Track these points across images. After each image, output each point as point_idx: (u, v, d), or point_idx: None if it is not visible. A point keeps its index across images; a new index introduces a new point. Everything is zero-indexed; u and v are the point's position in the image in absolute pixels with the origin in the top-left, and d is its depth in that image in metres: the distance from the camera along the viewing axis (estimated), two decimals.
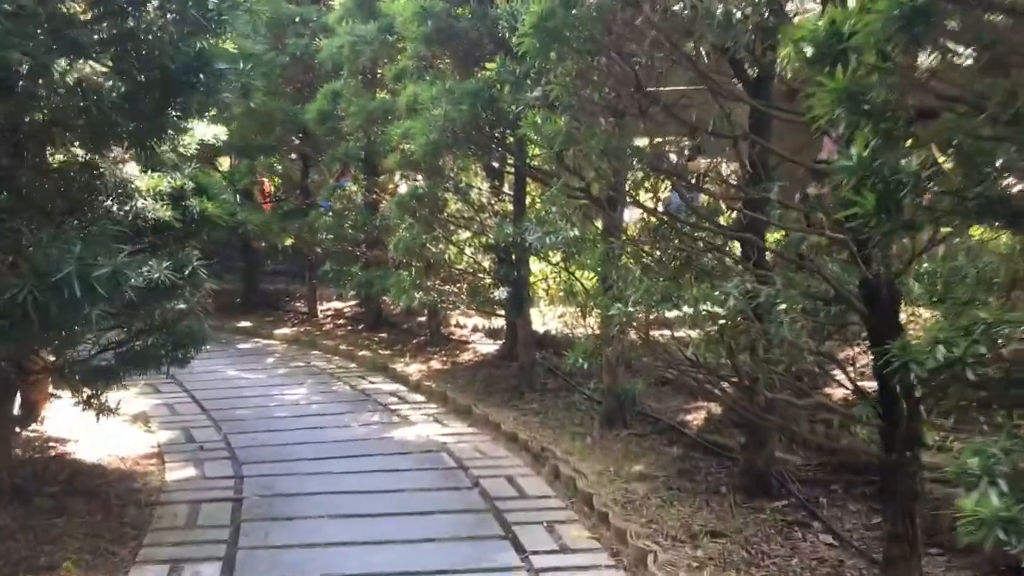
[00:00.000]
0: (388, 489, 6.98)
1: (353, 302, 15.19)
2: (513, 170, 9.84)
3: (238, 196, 15.62)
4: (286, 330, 14.23)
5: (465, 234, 10.72)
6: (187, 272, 5.70)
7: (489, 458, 7.76)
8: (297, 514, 6.36)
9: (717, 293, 4.05)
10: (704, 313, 4.03)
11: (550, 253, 8.88)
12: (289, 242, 14.07)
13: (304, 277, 15.65)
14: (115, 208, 5.41)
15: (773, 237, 6.22)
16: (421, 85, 9.01)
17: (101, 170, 5.33)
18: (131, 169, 6.03)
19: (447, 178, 9.96)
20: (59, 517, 6.03)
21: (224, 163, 15.32)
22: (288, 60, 12.82)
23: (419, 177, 10.46)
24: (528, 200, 10.24)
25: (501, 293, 9.71)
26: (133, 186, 5.58)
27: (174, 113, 5.23)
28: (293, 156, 14.63)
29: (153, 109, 5.02)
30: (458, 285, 10.47)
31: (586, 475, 6.92)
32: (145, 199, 5.55)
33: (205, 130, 8.44)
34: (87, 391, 6.40)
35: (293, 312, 15.81)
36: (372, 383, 10.84)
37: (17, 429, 7.85)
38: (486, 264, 10.54)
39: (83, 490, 6.61)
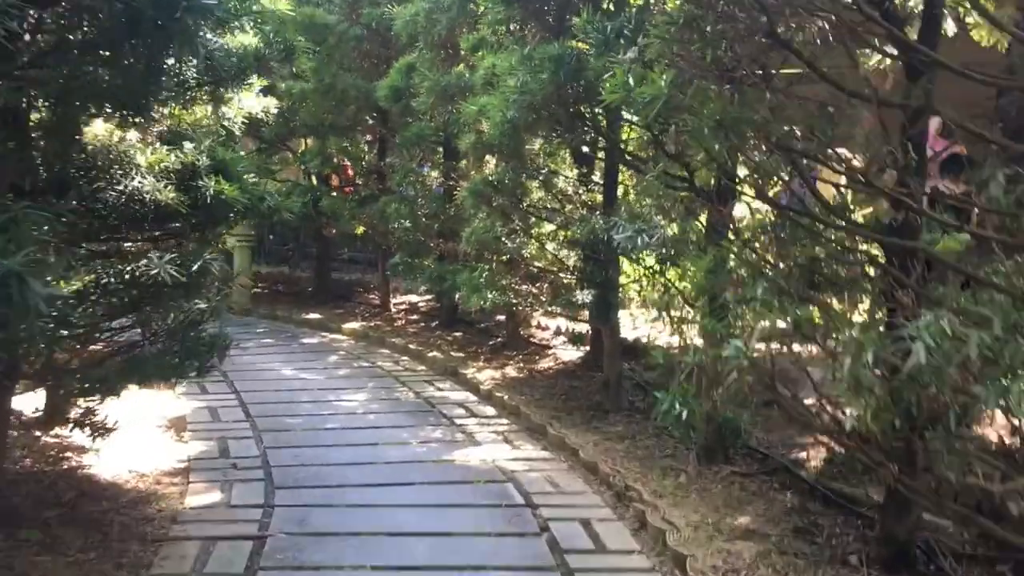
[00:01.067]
0: (442, 531, 5.86)
1: (428, 296, 14.16)
2: (603, 155, 8.55)
3: (314, 179, 14.82)
4: (355, 324, 13.25)
5: (548, 227, 9.52)
6: (194, 269, 4.64)
7: (563, 494, 6.56)
8: (328, 562, 5.28)
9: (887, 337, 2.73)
10: (866, 365, 2.73)
11: (643, 254, 7.59)
12: (361, 230, 13.06)
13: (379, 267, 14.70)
14: (106, 187, 4.35)
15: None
16: (500, 56, 7.83)
17: (81, 139, 4.28)
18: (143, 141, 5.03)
19: (529, 163, 8.76)
20: (47, 554, 5.07)
21: (302, 145, 14.50)
22: (363, 32, 11.76)
23: (496, 162, 9.28)
24: (621, 191, 8.96)
25: (585, 296, 8.46)
26: (130, 161, 4.53)
27: (165, 64, 4.11)
28: (368, 137, 13.60)
29: (134, 59, 3.93)
30: (538, 285, 9.26)
31: (679, 527, 5.65)
32: (144, 177, 4.48)
33: (253, 102, 7.64)
34: (81, 405, 5.39)
35: (365, 304, 14.85)
36: (439, 390, 9.74)
37: (37, 433, 7.03)
38: (570, 262, 9.31)
39: (86, 517, 5.65)
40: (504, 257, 8.81)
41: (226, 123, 7.75)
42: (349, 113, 12.34)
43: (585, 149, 9.29)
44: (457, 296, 9.66)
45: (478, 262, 9.54)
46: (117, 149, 4.54)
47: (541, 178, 8.82)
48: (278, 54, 7.38)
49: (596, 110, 7.18)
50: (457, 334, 12.25)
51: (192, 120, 7.30)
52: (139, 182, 4.41)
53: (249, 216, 5.30)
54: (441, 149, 12.15)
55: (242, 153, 8.07)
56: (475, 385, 9.74)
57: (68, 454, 6.80)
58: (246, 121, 8.16)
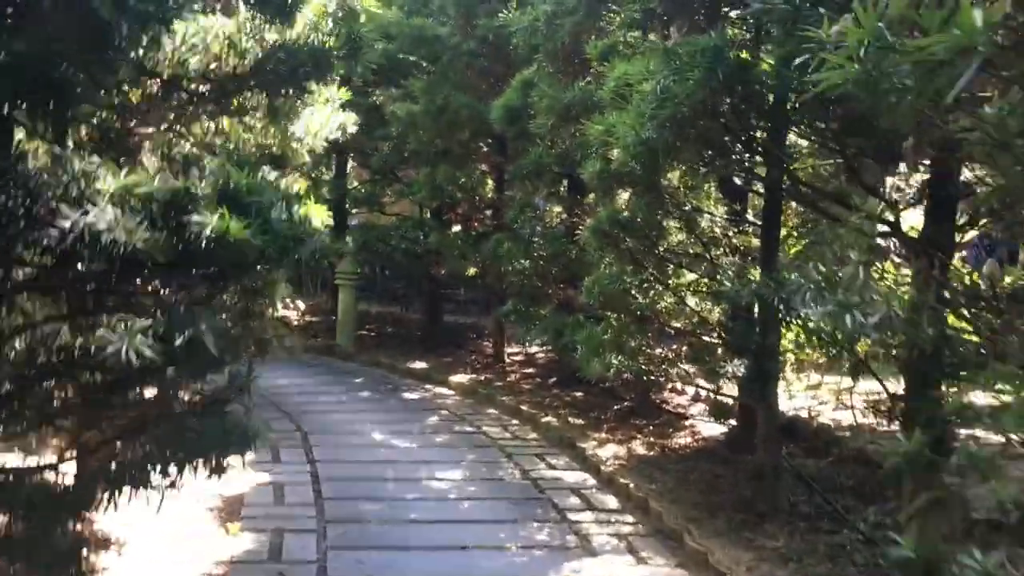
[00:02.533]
0: None
1: (547, 347, 12.53)
2: (764, 186, 6.79)
3: (426, 213, 13.51)
4: (463, 377, 11.75)
5: (688, 276, 7.79)
6: (180, 342, 3.18)
7: None
8: None
9: None
10: None
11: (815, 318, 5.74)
12: (473, 272, 11.60)
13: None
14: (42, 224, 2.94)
15: None
16: (635, 63, 6.20)
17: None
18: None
19: (667, 198, 7.06)
20: None
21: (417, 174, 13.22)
22: (477, 46, 10.36)
23: (628, 196, 7.62)
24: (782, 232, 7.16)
25: (735, 367, 6.68)
26: (88, 186, 3.10)
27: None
28: (484, 167, 12.16)
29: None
30: (674, 347, 7.51)
31: None
32: (106, 209, 3.04)
33: (325, 118, 6.26)
34: None
35: (477, 353, 13.35)
36: (551, 468, 8.08)
37: None
38: (714, 317, 7.54)
39: None
40: (634, 313, 7.09)
41: (297, 144, 6.48)
42: (462, 139, 10.93)
43: (738, 180, 7.55)
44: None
45: (603, 314, 7.86)
46: (73, 168, 3.11)
47: (682, 216, 7.09)
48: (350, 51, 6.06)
49: (760, 123, 5.43)
50: (577, 394, 10.56)
51: (249, 140, 6.05)
52: (94, 217, 2.96)
53: (275, 265, 3.79)
54: (564, 181, 10.58)
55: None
56: (595, 464, 8.03)
57: (89, 551, 5.47)
58: (327, 143, 6.90)
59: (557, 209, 11.12)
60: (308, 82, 4.88)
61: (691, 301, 7.49)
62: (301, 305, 16.86)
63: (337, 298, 13.89)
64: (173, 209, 3.27)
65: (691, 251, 7.45)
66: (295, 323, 15.69)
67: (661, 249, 7.16)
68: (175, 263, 3.25)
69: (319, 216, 4.37)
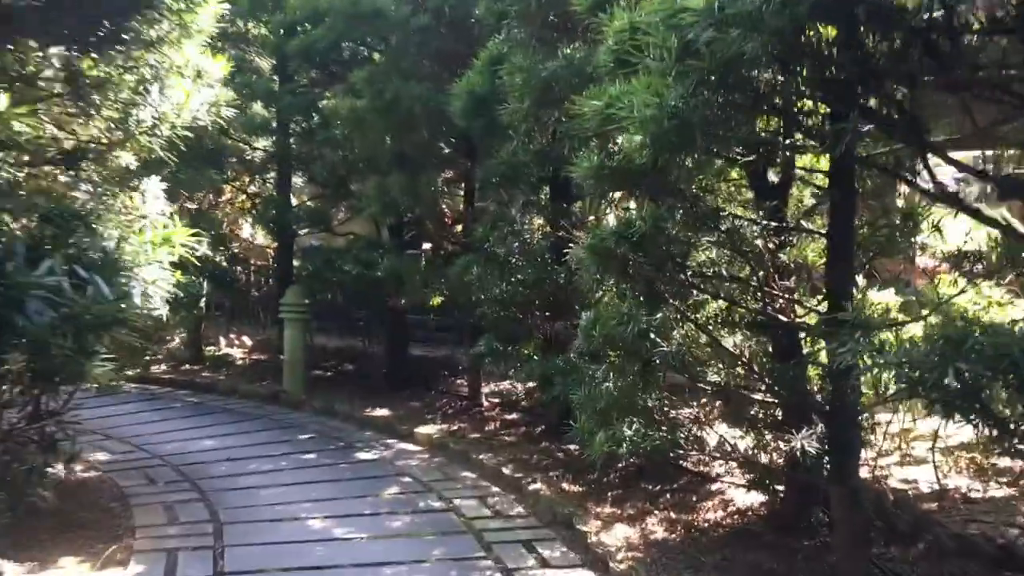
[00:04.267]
0: None
1: (531, 383, 10.51)
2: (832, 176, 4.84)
3: (384, 232, 11.50)
4: (432, 428, 9.70)
5: (716, 304, 5.83)
6: None
7: None
8: None
9: None
10: None
11: None
12: (438, 301, 9.57)
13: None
14: None
15: None
16: (648, 4, 4.26)
17: None
18: None
19: (694, 200, 5.09)
20: None
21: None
22: (430, 19, 8.34)
23: (638, 198, 5.65)
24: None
25: (800, 439, 4.69)
26: None
27: None
28: (449, 173, 10.12)
29: None
30: (705, 405, 5.53)
31: None
32: None
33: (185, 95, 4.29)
34: None
35: (449, 394, 11.31)
36: (544, 565, 6.06)
37: None
38: (763, 362, 5.56)
39: None
40: (648, 360, 5.08)
41: (146, 133, 4.51)
42: (419, 140, 8.89)
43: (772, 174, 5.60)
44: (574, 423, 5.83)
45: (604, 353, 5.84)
46: None
47: (716, 226, 5.11)
48: None
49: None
50: (571, 447, 8.54)
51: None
52: None
53: None
54: (547, 187, 8.59)
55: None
56: (601, 557, 6.01)
57: None
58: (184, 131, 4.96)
59: (538, 222, 9.11)
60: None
61: (730, 338, 5.49)
62: (248, 341, 14.79)
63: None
64: None
65: (726, 271, 5.45)
66: (239, 363, 13.61)
67: (688, 273, 5.15)
68: None
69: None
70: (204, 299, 13.46)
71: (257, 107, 11.05)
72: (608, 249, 5.13)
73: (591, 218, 8.37)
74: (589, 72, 5.40)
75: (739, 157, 5.05)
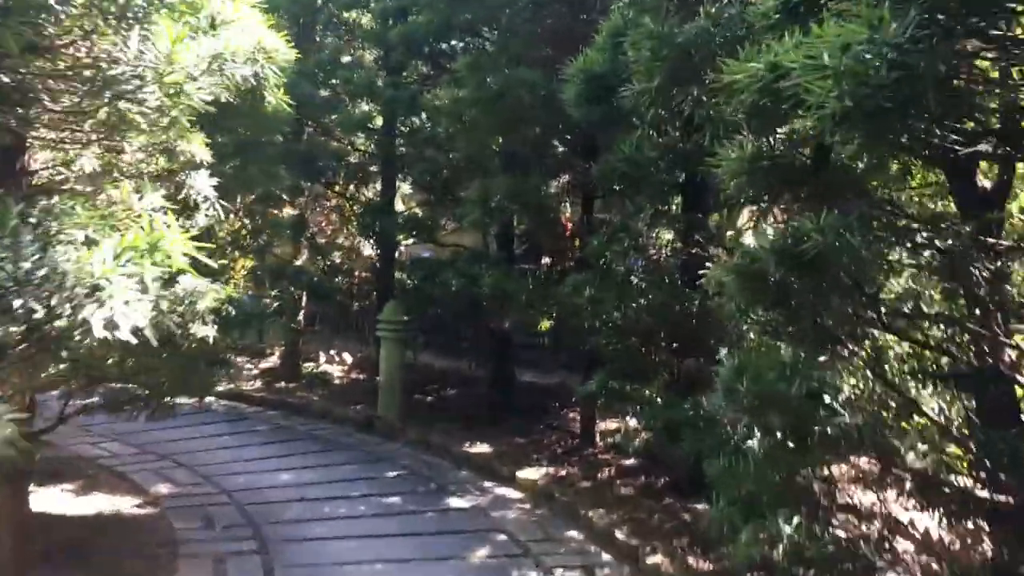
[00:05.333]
0: None
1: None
2: None
3: (492, 245, 10.30)
4: (537, 472, 8.39)
5: (901, 348, 4.31)
6: None
7: None
8: None
9: None
10: None
11: None
12: (546, 325, 8.28)
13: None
14: None
15: None
16: None
17: None
18: None
19: (882, 206, 3.62)
20: None
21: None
22: None
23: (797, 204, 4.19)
24: None
25: None
26: None
27: None
28: (566, 177, 8.78)
29: None
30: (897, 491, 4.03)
31: None
32: None
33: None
34: None
35: (559, 431, 9.96)
36: None
37: None
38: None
39: None
40: (825, 433, 3.62)
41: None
42: (528, 136, 7.60)
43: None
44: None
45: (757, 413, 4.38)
46: None
47: (914, 241, 3.63)
48: None
49: None
50: (699, 507, 7.09)
51: None
52: None
53: None
54: (677, 193, 7.18)
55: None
56: None
57: None
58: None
59: (667, 236, 7.70)
60: None
61: (931, 405, 3.97)
62: (348, 358, 13.83)
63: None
64: None
65: (925, 308, 3.93)
66: (337, 381, 12.64)
67: (879, 309, 3.67)
68: None
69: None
70: (301, 312, 12.67)
71: (358, 103, 10.04)
72: (761, 272, 3.71)
73: (729, 232, 6.95)
74: (741, 33, 4.02)
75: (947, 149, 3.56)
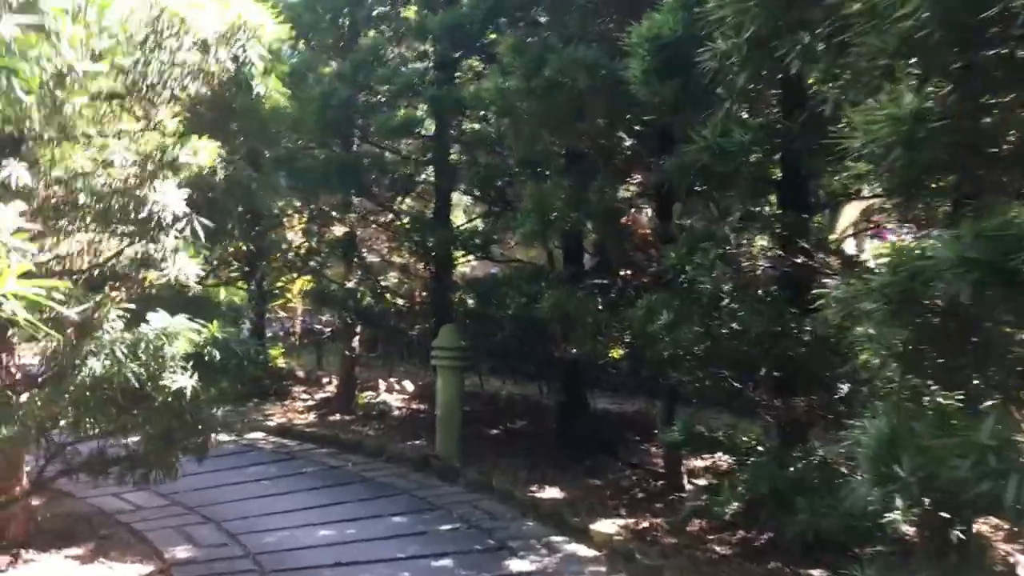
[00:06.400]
0: None
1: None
2: None
3: (558, 259, 9.14)
4: (613, 525, 7.14)
5: None
6: None
7: None
8: None
9: None
10: None
11: None
12: (618, 354, 7.03)
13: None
14: None
15: None
16: None
17: None
18: None
19: None
20: None
21: None
22: None
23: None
24: None
25: None
26: None
27: None
28: (637, 178, 7.49)
29: None
30: None
31: None
32: None
33: None
34: None
35: (640, 469, 8.68)
36: None
37: None
38: None
39: None
40: None
41: None
42: (589, 129, 6.37)
43: None
44: None
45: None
46: None
47: None
48: None
49: None
50: (814, 574, 5.76)
51: None
52: None
53: None
54: (774, 192, 5.87)
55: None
56: None
57: None
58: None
59: (761, 242, 6.37)
60: None
61: None
62: (409, 387, 12.76)
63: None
64: None
65: None
66: (396, 413, 11.58)
67: None
68: None
69: None
70: (356, 338, 11.68)
71: (400, 104, 8.98)
72: (920, 293, 2.42)
73: (846, 236, 5.63)
74: None
75: None
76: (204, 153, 4.95)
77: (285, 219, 12.55)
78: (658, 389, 8.67)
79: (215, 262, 12.38)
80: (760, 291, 5.23)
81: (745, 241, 6.31)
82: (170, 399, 4.20)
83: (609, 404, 10.59)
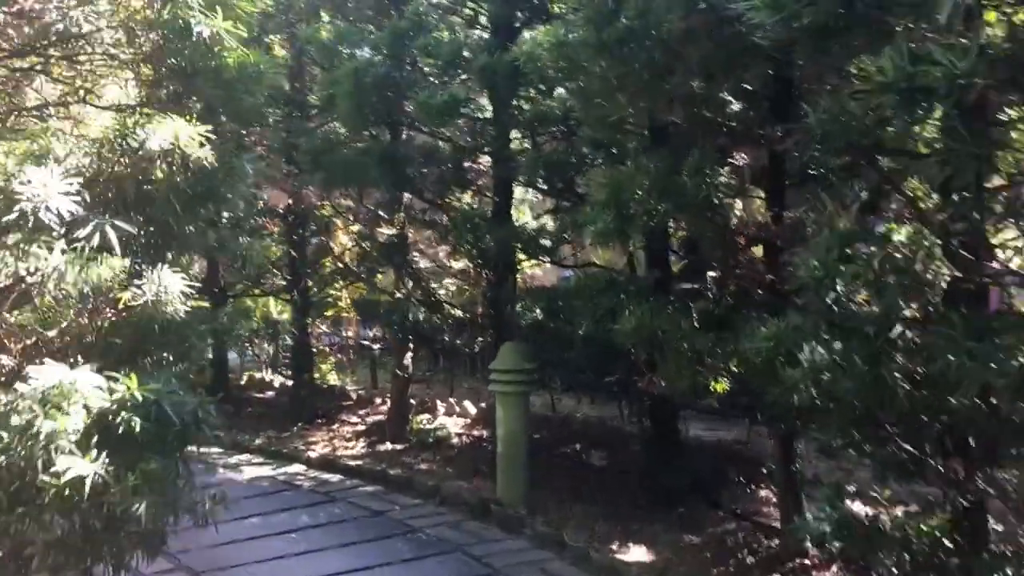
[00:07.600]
0: None
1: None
2: None
3: (639, 263, 7.58)
4: None
5: None
6: None
7: None
8: None
9: None
10: None
11: None
12: (722, 387, 5.39)
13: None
14: None
15: None
16: None
17: None
18: None
19: None
20: None
21: None
22: None
23: None
24: None
25: None
26: None
27: None
28: (744, 158, 5.78)
29: None
30: None
31: None
32: None
33: None
34: None
35: (748, 523, 7.02)
36: None
37: None
38: None
39: None
40: None
41: None
42: (680, 91, 4.71)
43: None
44: None
45: None
46: None
47: None
48: None
49: None
50: None
51: None
52: None
53: None
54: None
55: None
56: None
57: None
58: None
59: (898, 237, 4.63)
60: None
61: None
62: (471, 408, 11.23)
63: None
64: None
65: None
66: (455, 440, 10.10)
67: None
68: None
69: None
70: (408, 355, 10.25)
71: (445, 81, 7.44)
72: None
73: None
74: None
75: None
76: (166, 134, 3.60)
77: (335, 221, 11.33)
78: (764, 411, 6.97)
79: (254, 271, 11.18)
80: (941, 312, 3.56)
81: (892, 234, 4.60)
82: (66, 492, 2.81)
83: (702, 431, 8.93)
